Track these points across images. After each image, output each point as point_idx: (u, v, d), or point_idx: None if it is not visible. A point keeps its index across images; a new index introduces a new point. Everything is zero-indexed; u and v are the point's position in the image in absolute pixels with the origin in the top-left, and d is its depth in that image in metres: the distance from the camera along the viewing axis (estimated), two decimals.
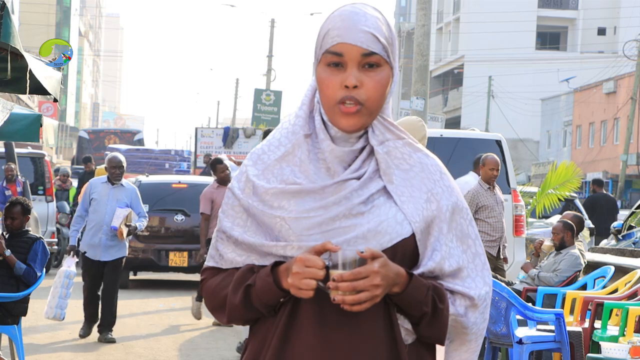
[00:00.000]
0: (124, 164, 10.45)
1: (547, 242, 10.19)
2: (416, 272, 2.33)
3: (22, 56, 5.98)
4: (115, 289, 10.44)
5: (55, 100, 7.08)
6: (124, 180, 10.47)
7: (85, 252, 10.32)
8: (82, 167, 21.11)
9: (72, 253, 10.17)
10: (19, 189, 15.44)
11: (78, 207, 10.48)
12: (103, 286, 10.41)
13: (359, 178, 2.34)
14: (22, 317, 8.04)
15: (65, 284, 9.73)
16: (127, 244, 10.52)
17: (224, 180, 11.30)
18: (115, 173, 10.35)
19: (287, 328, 2.32)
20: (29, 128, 8.91)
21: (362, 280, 2.21)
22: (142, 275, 16.82)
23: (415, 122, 7.41)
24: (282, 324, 2.32)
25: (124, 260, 10.55)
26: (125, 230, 10.17)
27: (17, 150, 18.37)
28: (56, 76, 6.89)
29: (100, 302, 10.48)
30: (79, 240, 10.53)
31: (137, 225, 10.44)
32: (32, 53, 6.73)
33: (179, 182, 16.27)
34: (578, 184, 15.46)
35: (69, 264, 9.98)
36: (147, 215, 10.68)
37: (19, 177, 15.74)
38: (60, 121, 64.25)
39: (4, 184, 15.62)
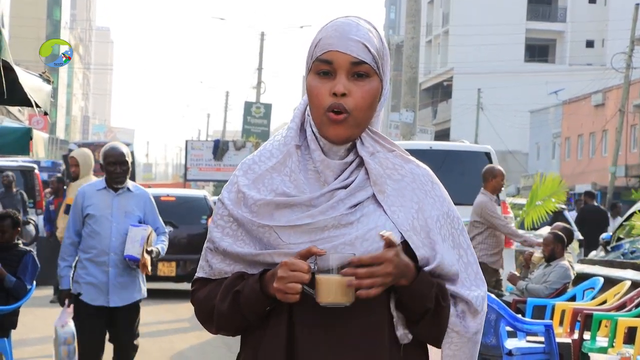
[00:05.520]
0: (129, 159, 6.91)
1: (537, 254, 10.22)
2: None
3: (12, 69, 5.99)
4: (134, 350, 7.06)
5: (45, 113, 7.08)
6: (130, 183, 6.98)
7: (79, 294, 6.83)
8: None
9: (66, 302, 6.98)
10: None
11: (66, 230, 6.96)
12: (116, 348, 7.04)
13: (346, 187, 2.35)
14: (12, 330, 8.03)
15: (63, 354, 7.18)
16: (145, 280, 7.05)
17: None
18: (115, 172, 6.82)
19: (290, 340, 2.31)
20: (19, 141, 8.90)
21: (378, 266, 2.23)
22: None
23: (86, 152, 9.64)
24: (285, 338, 2.32)
25: (140, 305, 7.05)
26: (148, 259, 6.84)
27: (6, 163, 18.39)
28: (46, 89, 6.89)
29: None
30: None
31: (159, 249, 7.00)
32: (22, 66, 6.73)
33: (167, 195, 16.82)
34: (564, 196, 15.53)
35: (63, 321, 7.19)
36: (166, 230, 7.29)
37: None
38: (51, 134, 64.08)
39: (52, 199, 15.22)
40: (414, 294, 2.30)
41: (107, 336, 7.00)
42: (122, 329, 6.91)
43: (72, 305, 6.95)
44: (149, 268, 6.81)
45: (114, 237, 6.79)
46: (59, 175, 16.91)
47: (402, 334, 2.35)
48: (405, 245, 2.34)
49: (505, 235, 10.09)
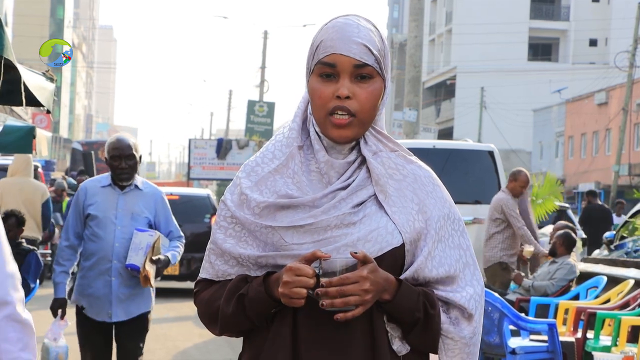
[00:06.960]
0: (136, 152, 6.02)
1: (527, 248, 10.32)
2: (401, 277, 2.33)
3: (15, 68, 5.99)
4: None
5: (48, 111, 7.08)
6: (139, 180, 6.07)
7: (83, 308, 6.02)
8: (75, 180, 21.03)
9: (59, 313, 6.14)
10: None
11: (64, 232, 6.08)
12: None
13: (347, 187, 2.35)
14: None
15: None
16: (154, 290, 6.14)
17: None
18: (120, 168, 5.96)
19: (294, 342, 2.31)
20: (23, 140, 8.91)
21: (351, 285, 2.22)
22: None
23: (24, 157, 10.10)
24: (289, 339, 2.31)
25: (149, 317, 6.16)
26: (152, 271, 5.92)
27: (9, 162, 18.37)
28: (49, 87, 6.89)
29: None
30: (71, 288, 6.35)
31: (170, 257, 6.07)
32: (25, 65, 6.73)
33: (171, 194, 16.58)
34: (561, 197, 15.59)
35: (55, 333, 6.47)
36: (182, 234, 6.25)
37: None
38: (54, 133, 64.19)
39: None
40: (400, 307, 2.29)
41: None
42: (126, 344, 6.08)
43: (65, 317, 6.23)
44: (152, 281, 5.90)
45: (117, 242, 5.91)
46: (81, 171, 16.75)
47: (399, 346, 2.35)
48: (403, 247, 2.34)
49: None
